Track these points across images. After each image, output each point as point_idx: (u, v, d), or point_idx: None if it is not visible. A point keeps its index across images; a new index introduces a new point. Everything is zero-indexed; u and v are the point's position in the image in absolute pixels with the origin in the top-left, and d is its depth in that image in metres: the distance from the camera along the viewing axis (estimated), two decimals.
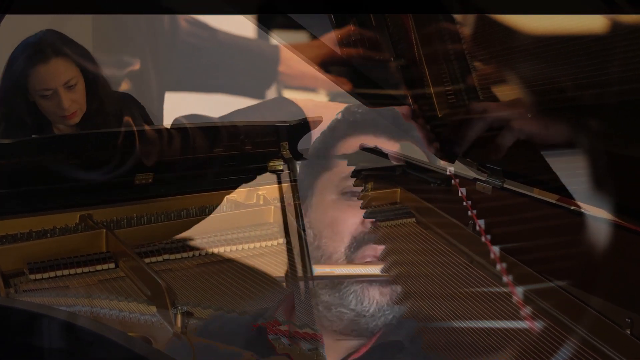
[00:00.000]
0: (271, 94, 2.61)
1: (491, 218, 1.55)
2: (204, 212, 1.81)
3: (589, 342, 1.22)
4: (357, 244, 1.50)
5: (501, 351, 1.24)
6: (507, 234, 1.49)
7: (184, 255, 1.62)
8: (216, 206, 1.84)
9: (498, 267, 1.41)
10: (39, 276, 1.52)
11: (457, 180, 1.61)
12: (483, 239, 1.46)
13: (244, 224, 1.75)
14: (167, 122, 2.58)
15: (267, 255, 1.65)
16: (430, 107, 1.66)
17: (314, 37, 1.68)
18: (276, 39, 1.70)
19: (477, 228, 1.49)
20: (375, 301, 1.43)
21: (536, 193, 1.59)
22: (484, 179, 1.62)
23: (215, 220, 1.75)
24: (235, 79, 2.63)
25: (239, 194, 1.89)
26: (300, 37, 1.70)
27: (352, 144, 1.64)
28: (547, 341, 1.25)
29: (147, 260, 1.58)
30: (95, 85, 2.37)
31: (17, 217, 1.67)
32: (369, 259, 1.48)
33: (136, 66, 2.76)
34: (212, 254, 1.64)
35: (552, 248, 1.43)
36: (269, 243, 1.69)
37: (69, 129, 2.37)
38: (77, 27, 2.57)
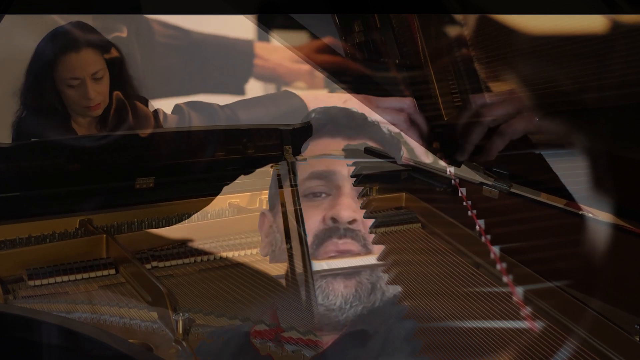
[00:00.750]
0: (251, 88, 2.63)
1: (498, 224, 1.55)
2: (206, 217, 1.81)
3: (588, 343, 1.24)
4: (319, 240, 1.52)
5: (501, 351, 1.26)
6: (514, 239, 1.50)
7: (186, 260, 1.62)
8: (218, 211, 1.84)
9: (498, 267, 1.44)
10: (38, 282, 1.51)
11: (457, 180, 1.62)
12: (483, 239, 1.49)
13: (246, 229, 1.74)
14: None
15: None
16: (435, 110, 1.66)
17: (315, 37, 1.67)
18: (278, 40, 1.69)
19: (477, 228, 1.51)
20: (340, 294, 1.46)
21: (544, 197, 1.59)
22: (490, 183, 1.63)
23: (217, 225, 1.74)
24: (212, 78, 2.65)
25: (242, 198, 1.89)
26: (302, 37, 1.70)
27: (311, 149, 1.67)
28: (547, 341, 1.26)
29: (148, 265, 1.57)
30: (119, 79, 2.38)
31: (15, 222, 1.66)
32: (332, 254, 1.50)
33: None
34: (215, 259, 1.63)
35: (563, 254, 1.44)
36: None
37: (87, 124, 2.36)
38: None
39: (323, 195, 1.57)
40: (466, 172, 1.68)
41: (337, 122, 1.67)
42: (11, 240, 1.64)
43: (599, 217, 1.43)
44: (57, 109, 2.29)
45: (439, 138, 1.69)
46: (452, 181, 1.63)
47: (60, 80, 2.28)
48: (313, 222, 1.54)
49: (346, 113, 1.69)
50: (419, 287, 1.45)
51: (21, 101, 2.31)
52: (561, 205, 1.56)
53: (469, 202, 1.55)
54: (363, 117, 1.68)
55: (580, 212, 1.51)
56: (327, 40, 1.69)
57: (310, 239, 1.53)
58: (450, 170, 1.65)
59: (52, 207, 1.73)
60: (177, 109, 2.30)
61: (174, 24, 2.58)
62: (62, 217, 1.71)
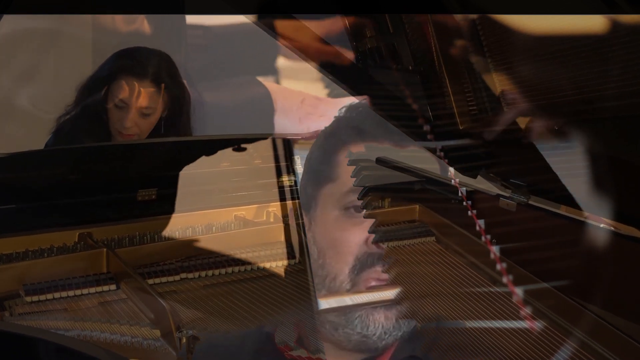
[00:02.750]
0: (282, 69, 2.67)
1: (515, 237, 1.54)
2: (211, 230, 1.80)
3: (588, 344, 1.26)
4: (361, 266, 1.49)
5: (501, 351, 1.28)
6: (531, 252, 1.49)
7: (190, 276, 1.60)
8: (224, 224, 1.83)
9: (498, 267, 1.45)
10: (35, 298, 1.50)
11: (461, 187, 1.60)
12: (483, 238, 1.49)
13: (253, 242, 1.73)
14: None
15: (279, 276, 1.63)
16: (450, 120, 1.63)
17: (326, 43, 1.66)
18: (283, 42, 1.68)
19: (477, 228, 1.51)
20: (381, 325, 1.46)
21: (563, 210, 1.57)
22: (507, 195, 1.60)
23: (222, 239, 1.74)
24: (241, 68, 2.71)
25: (248, 210, 1.88)
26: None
27: (356, 150, 1.60)
28: (547, 341, 1.28)
29: (150, 281, 1.56)
30: (170, 123, 2.42)
31: (12, 236, 1.65)
32: (373, 283, 1.49)
33: None
34: (220, 274, 1.62)
35: (587, 270, 1.42)
36: (280, 263, 1.67)
37: None
38: (78, 27, 2.63)
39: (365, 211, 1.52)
40: (482, 184, 1.66)
41: (383, 124, 1.61)
42: (7, 255, 1.62)
43: (624, 231, 1.41)
44: (102, 119, 2.34)
45: (454, 147, 1.67)
46: (459, 192, 1.61)
47: (112, 95, 2.32)
48: (354, 242, 1.50)
49: (370, 111, 1.64)
50: (419, 288, 1.46)
51: (76, 97, 2.38)
52: (582, 218, 1.53)
53: (474, 211, 1.54)
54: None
55: (602, 226, 1.50)
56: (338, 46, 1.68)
57: (350, 260, 1.50)
58: (455, 180, 1.63)
59: (50, 220, 1.72)
60: None
61: (195, 23, 2.63)
62: (60, 231, 1.69)
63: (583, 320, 1.32)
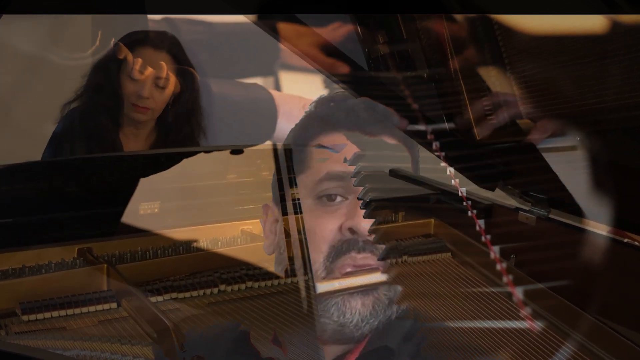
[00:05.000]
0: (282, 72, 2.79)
1: (535, 253, 1.56)
2: (216, 245, 1.79)
3: (587, 345, 1.29)
4: (336, 253, 1.54)
5: (501, 351, 1.31)
6: (551, 268, 1.49)
7: (194, 293, 1.58)
8: (230, 239, 1.82)
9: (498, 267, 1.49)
10: (32, 317, 1.48)
11: (470, 203, 1.61)
12: (483, 238, 1.52)
13: (261, 258, 1.71)
14: None
15: (287, 293, 1.61)
16: (467, 129, 1.63)
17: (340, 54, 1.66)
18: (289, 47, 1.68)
19: (492, 255, 1.52)
20: (358, 312, 1.50)
21: (585, 224, 1.55)
22: (527, 208, 1.61)
23: (228, 255, 1.73)
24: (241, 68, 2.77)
25: (255, 225, 1.85)
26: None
27: (327, 142, 1.63)
28: (547, 341, 1.31)
29: (152, 299, 1.55)
30: (180, 104, 2.50)
31: (8, 251, 1.63)
32: (349, 269, 1.53)
33: None
34: (226, 291, 1.60)
35: (611, 287, 1.42)
36: (289, 280, 1.64)
37: (133, 136, 2.48)
38: (78, 27, 2.67)
39: (339, 199, 1.56)
40: (501, 196, 1.66)
41: (356, 114, 1.63)
42: (3, 271, 1.60)
43: None
44: (110, 109, 2.42)
45: (470, 158, 1.66)
46: (464, 203, 1.61)
47: (127, 65, 2.39)
48: (328, 230, 1.55)
49: (367, 105, 1.65)
50: (417, 287, 1.51)
51: (87, 80, 2.46)
52: (605, 233, 1.52)
53: (482, 228, 1.55)
54: (385, 111, 1.65)
55: (626, 240, 1.50)
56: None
57: (324, 248, 1.54)
58: (462, 191, 1.63)
59: (47, 235, 1.71)
60: None
61: (199, 19, 2.70)
62: (58, 246, 1.68)
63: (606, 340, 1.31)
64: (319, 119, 1.66)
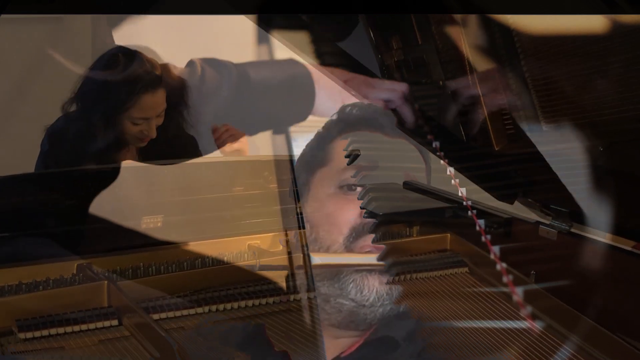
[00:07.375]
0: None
1: (556, 268, 1.55)
2: (222, 260, 1.77)
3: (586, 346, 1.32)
4: (357, 234, 1.63)
5: (501, 351, 1.35)
6: (573, 284, 1.49)
7: (199, 310, 1.58)
8: (236, 254, 1.81)
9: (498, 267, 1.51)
10: (29, 335, 1.47)
11: (475, 212, 1.63)
12: (483, 238, 1.55)
13: (268, 274, 1.71)
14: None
15: (297, 310, 1.61)
16: (485, 139, 1.63)
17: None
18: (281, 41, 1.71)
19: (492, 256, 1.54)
20: (375, 289, 1.58)
21: (609, 239, 1.54)
22: (548, 222, 1.61)
23: (235, 271, 1.72)
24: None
25: (263, 239, 1.86)
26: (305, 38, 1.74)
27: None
28: (546, 341, 1.34)
29: (155, 316, 1.54)
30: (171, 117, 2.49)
31: (4, 267, 1.62)
32: (368, 249, 1.61)
33: None
34: (232, 309, 1.59)
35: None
36: (298, 296, 1.65)
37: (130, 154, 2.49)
38: (78, 27, 2.69)
39: (359, 189, 1.65)
40: (521, 210, 1.66)
41: (376, 119, 1.74)
42: None
43: None
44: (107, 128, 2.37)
45: (489, 169, 1.67)
46: (469, 212, 1.62)
47: (128, 117, 2.35)
48: (349, 215, 1.63)
49: (385, 112, 1.75)
50: (419, 288, 1.57)
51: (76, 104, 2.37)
52: (629, 248, 1.52)
53: (488, 238, 1.56)
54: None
55: None
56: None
57: (345, 230, 1.63)
58: (468, 202, 1.63)
59: (45, 250, 1.70)
60: (190, 63, 2.40)
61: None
62: (57, 262, 1.67)
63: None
64: (342, 124, 1.77)
